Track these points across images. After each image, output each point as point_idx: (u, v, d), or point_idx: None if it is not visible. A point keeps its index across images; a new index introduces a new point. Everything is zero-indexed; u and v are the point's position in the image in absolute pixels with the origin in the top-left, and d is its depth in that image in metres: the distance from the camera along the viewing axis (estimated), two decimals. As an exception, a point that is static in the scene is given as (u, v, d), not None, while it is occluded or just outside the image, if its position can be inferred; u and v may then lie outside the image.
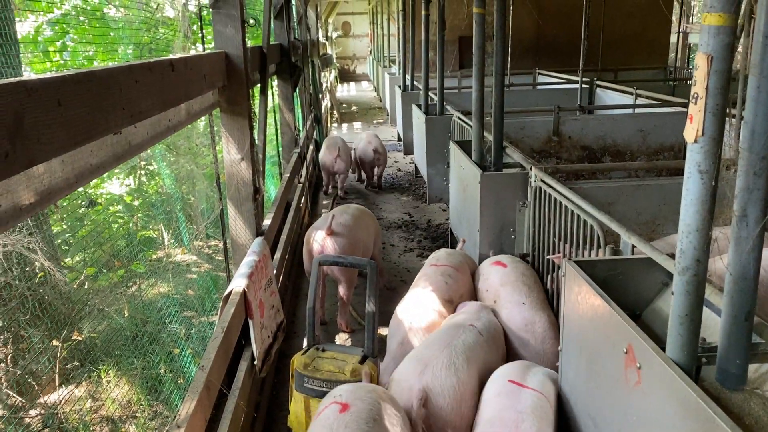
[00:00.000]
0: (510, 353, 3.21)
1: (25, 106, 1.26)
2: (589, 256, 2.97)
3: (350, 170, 8.69)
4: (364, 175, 9.15)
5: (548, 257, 3.49)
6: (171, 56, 2.49)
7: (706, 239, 1.62)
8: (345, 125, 15.70)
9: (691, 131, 1.57)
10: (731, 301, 1.66)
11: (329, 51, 20.60)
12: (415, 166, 8.85)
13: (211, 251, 5.93)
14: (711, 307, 2.09)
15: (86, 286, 3.97)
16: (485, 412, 2.44)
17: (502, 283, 3.43)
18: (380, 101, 18.71)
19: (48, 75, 1.40)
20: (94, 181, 5.20)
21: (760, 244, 1.60)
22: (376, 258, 5.00)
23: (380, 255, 5.19)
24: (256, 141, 3.67)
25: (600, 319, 2.18)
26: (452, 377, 2.53)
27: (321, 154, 8.36)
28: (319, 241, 4.33)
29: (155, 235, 5.40)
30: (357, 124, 15.80)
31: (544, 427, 2.26)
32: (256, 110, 4.37)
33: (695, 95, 1.54)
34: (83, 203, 4.39)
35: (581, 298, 2.36)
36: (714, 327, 1.84)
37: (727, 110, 1.60)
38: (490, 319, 3.11)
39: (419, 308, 3.31)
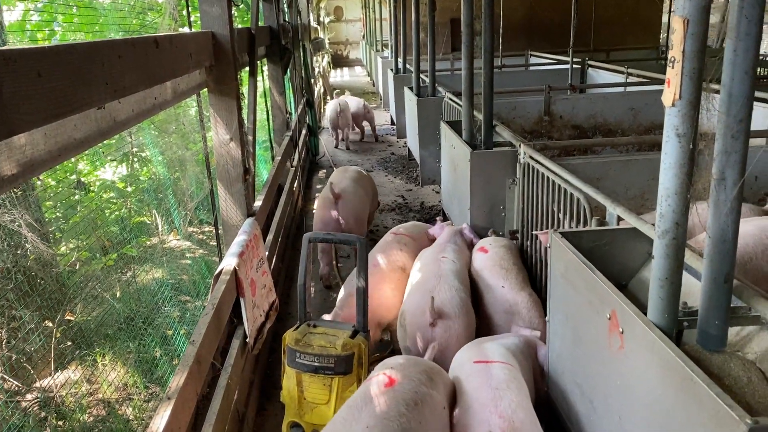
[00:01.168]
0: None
1: (3, 75, 1.26)
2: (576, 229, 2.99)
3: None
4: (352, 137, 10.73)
5: (535, 233, 3.51)
6: (156, 34, 2.49)
7: (685, 202, 1.64)
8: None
9: (668, 95, 1.58)
10: (711, 264, 1.68)
11: (321, 36, 20.47)
12: (408, 149, 8.83)
13: (204, 237, 5.95)
14: (692, 272, 2.12)
15: (78, 268, 3.97)
16: (462, 397, 2.39)
17: (481, 269, 3.53)
18: (373, 86, 18.63)
19: (28, 47, 1.41)
20: (87, 168, 5.21)
21: (738, 207, 1.62)
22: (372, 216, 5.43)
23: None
24: (245, 122, 3.67)
25: (584, 287, 2.20)
26: (456, 297, 3.12)
27: (327, 114, 10.24)
28: (328, 210, 4.64)
29: (149, 221, 5.40)
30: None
31: (521, 399, 2.25)
32: (246, 92, 4.36)
33: (672, 59, 1.55)
34: (74, 187, 4.38)
35: (567, 268, 2.39)
36: (697, 294, 1.86)
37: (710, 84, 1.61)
38: (455, 244, 3.74)
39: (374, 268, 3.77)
